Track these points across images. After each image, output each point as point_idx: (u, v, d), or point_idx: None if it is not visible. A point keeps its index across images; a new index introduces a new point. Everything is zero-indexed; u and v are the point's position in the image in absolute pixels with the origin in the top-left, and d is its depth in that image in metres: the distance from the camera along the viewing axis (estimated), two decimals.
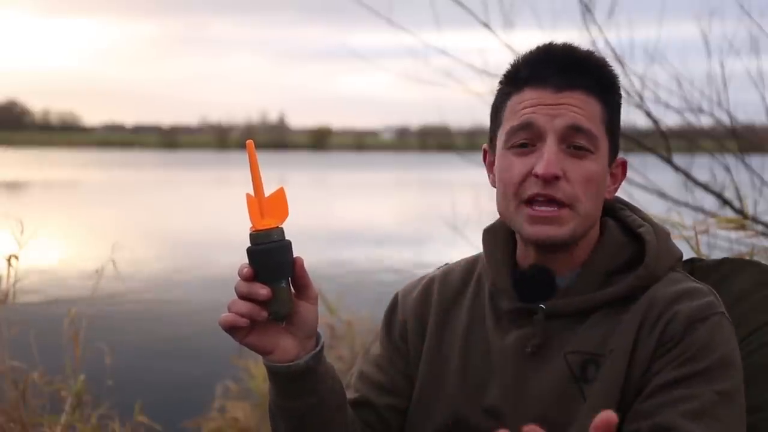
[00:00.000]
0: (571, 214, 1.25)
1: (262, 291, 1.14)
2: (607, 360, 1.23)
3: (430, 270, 1.49)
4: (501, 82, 1.33)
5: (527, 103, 1.26)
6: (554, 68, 1.26)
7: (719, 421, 1.15)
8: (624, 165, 1.35)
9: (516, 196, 1.26)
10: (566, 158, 1.24)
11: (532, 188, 1.24)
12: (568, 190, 1.24)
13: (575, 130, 1.24)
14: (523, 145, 1.26)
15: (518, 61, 1.31)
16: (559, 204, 1.24)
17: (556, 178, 1.23)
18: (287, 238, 1.16)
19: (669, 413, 1.15)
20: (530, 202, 1.25)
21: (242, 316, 1.15)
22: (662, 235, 1.33)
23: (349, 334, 4.88)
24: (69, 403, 2.88)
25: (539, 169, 1.22)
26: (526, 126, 1.25)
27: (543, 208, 1.24)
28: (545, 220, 1.24)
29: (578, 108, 1.25)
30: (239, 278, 1.16)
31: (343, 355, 4.61)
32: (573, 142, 1.24)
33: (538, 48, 1.31)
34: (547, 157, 1.22)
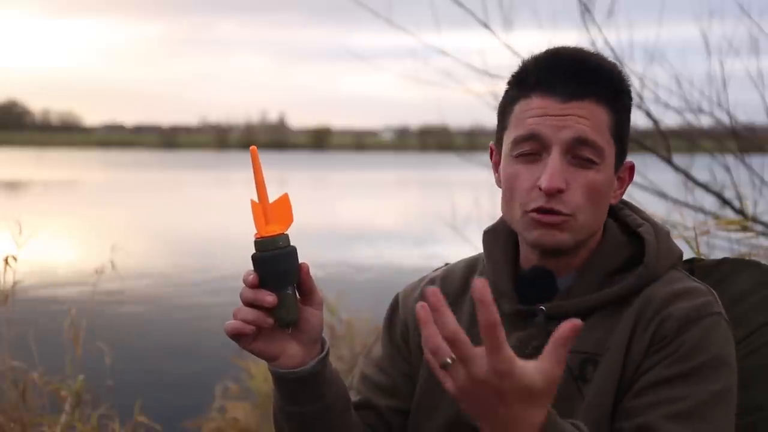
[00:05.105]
0: (572, 223, 1.24)
1: (269, 298, 1.13)
2: (604, 359, 1.23)
3: (429, 270, 1.49)
4: (509, 83, 1.32)
5: (534, 112, 1.25)
6: (562, 76, 1.24)
7: (705, 421, 1.14)
8: (632, 169, 1.34)
9: (522, 205, 1.26)
10: (570, 169, 1.24)
11: (537, 201, 1.24)
12: (570, 201, 1.23)
13: (581, 142, 1.23)
14: (528, 154, 1.25)
15: (527, 64, 1.29)
16: (560, 213, 1.24)
17: (560, 191, 1.23)
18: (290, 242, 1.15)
19: (652, 414, 1.14)
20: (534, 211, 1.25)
21: (248, 323, 1.14)
22: (662, 233, 1.32)
23: (349, 334, 4.89)
24: (69, 403, 2.88)
25: (543, 183, 1.22)
26: (532, 137, 1.24)
27: (547, 215, 1.24)
28: (549, 226, 1.24)
29: (585, 119, 1.23)
30: (244, 285, 1.14)
31: (343, 356, 4.61)
32: (578, 153, 1.24)
33: (548, 52, 1.29)
34: (551, 171, 1.22)
